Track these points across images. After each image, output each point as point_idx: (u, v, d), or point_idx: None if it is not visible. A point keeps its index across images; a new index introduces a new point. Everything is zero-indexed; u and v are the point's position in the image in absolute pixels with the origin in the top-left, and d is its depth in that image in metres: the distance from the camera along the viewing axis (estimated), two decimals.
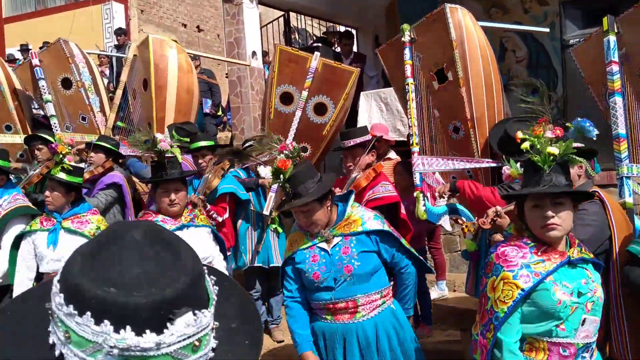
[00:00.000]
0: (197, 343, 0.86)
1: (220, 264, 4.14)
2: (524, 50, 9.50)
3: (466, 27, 4.63)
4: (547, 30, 6.48)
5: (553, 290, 2.46)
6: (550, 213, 2.48)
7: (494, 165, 4.43)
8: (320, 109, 5.86)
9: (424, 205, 4.43)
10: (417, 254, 3.49)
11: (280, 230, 5.96)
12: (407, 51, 4.74)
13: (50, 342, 0.84)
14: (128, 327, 0.81)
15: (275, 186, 5.53)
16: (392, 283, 3.46)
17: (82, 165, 4.89)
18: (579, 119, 3.45)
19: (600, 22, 4.05)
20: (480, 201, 3.96)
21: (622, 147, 3.92)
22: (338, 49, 10.08)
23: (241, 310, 1.02)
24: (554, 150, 2.51)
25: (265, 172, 4.02)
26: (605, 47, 4.00)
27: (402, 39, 4.77)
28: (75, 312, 0.81)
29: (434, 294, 6.11)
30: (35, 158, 6.11)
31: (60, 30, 8.19)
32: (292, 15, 11.38)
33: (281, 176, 3.32)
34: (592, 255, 2.69)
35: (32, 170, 5.99)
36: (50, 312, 0.85)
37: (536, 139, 2.59)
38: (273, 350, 5.87)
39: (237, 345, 0.94)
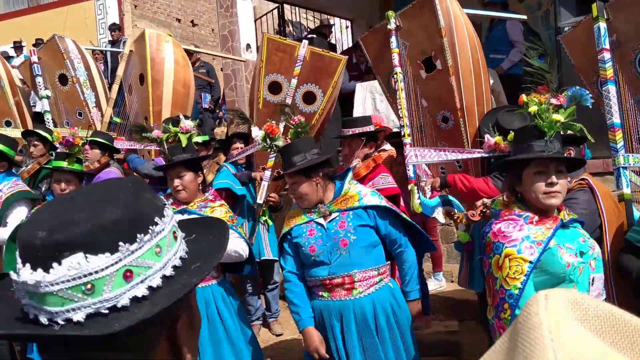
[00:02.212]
0: (88, 286, 0.84)
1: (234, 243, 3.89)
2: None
3: (454, 15, 4.57)
4: (525, 17, 6.49)
5: (560, 254, 2.46)
6: (555, 179, 2.50)
7: (485, 155, 4.41)
8: (309, 98, 5.83)
9: (419, 198, 4.42)
10: (419, 228, 3.51)
11: (270, 222, 5.94)
12: (393, 39, 4.67)
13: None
14: (27, 265, 0.84)
15: (267, 174, 5.53)
16: (388, 262, 3.46)
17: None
18: (576, 87, 3.42)
19: None
20: (474, 193, 3.94)
21: (617, 136, 3.86)
22: (332, 41, 10.06)
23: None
24: (558, 117, 2.52)
25: (256, 133, 3.98)
26: (595, 35, 3.96)
27: (388, 26, 4.70)
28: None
29: (431, 285, 6.11)
30: (29, 154, 6.09)
31: (53, 26, 8.19)
32: (287, 7, 11.35)
33: (268, 140, 3.38)
34: (576, 216, 2.72)
35: (25, 165, 5.98)
36: None
37: (541, 105, 2.59)
38: (273, 344, 5.87)
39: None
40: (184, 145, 4.12)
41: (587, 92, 3.07)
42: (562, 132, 2.62)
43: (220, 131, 10.33)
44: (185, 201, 3.89)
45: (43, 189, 5.94)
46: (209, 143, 5.59)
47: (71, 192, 0.99)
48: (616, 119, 3.89)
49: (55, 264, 0.83)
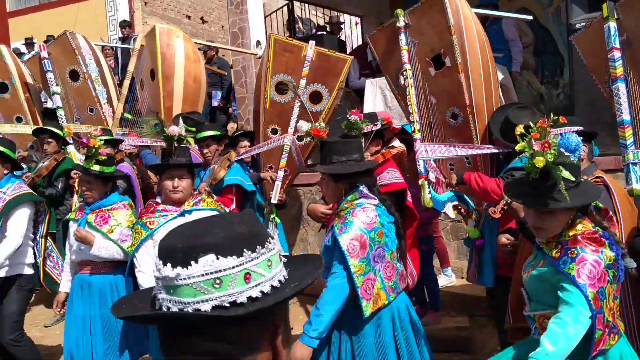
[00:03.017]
0: (217, 281, 1.05)
1: None
2: (530, 36, 9.42)
3: (464, 13, 4.57)
4: (530, 17, 6.46)
5: None
6: (532, 220, 2.64)
7: (495, 151, 4.42)
8: (315, 98, 5.87)
9: (429, 192, 4.44)
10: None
11: (278, 220, 5.96)
12: (402, 37, 4.71)
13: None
14: (169, 264, 1.06)
15: (280, 174, 5.56)
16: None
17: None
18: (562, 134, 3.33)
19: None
20: (486, 193, 3.97)
21: (627, 133, 3.92)
22: (342, 38, 10.06)
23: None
24: (538, 162, 2.51)
25: (303, 126, 3.88)
26: (605, 34, 4.00)
27: (397, 24, 4.73)
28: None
29: (442, 281, 6.14)
30: (44, 151, 6.16)
31: (64, 23, 8.22)
32: (296, 4, 11.37)
33: (308, 139, 3.43)
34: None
35: (42, 162, 6.06)
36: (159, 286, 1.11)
37: (527, 144, 2.58)
38: None
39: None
40: (192, 145, 4.16)
41: (575, 142, 2.88)
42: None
43: (231, 127, 10.39)
44: (180, 201, 3.95)
45: (59, 186, 6.00)
46: (222, 138, 5.62)
47: (205, 217, 1.20)
48: (626, 116, 3.93)
49: (193, 262, 1.05)
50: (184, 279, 1.04)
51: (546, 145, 2.50)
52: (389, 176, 4.57)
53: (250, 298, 1.08)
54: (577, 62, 6.23)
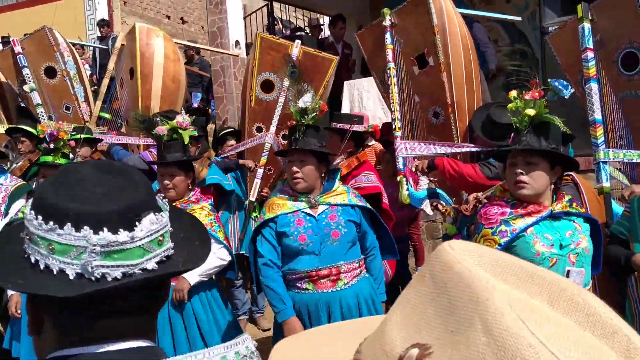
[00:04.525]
0: (161, 238, 1.06)
1: (213, 255, 3.93)
2: (507, 39, 9.54)
3: (447, 14, 4.67)
4: (519, 19, 6.56)
5: (532, 243, 2.57)
6: (519, 170, 2.61)
7: (474, 149, 4.49)
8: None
9: (407, 189, 4.49)
10: (391, 235, 3.65)
11: None
12: (388, 35, 4.78)
13: (33, 260, 1.02)
14: (105, 229, 1.00)
15: (260, 172, 5.57)
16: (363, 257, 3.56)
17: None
18: (554, 80, 3.52)
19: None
20: (461, 178, 4.02)
21: (598, 132, 3.99)
22: (328, 34, 10.08)
23: (190, 225, 1.21)
24: (530, 111, 2.61)
25: (307, 99, 3.84)
26: (580, 35, 4.07)
27: (383, 23, 4.81)
28: (56, 225, 0.99)
29: None
30: (17, 150, 6.09)
31: (42, 22, 8.14)
32: (276, 5, 11.38)
33: (299, 117, 3.46)
34: (583, 211, 2.79)
35: (15, 162, 5.97)
36: (27, 237, 1.03)
37: (517, 102, 2.69)
38: (260, 339, 5.92)
39: (189, 245, 1.15)
40: (186, 142, 4.10)
41: (567, 83, 3.15)
42: (540, 126, 2.69)
43: (209, 128, 10.37)
44: (173, 200, 3.90)
45: (34, 185, 5.94)
46: (199, 138, 5.62)
47: (91, 164, 1.12)
48: (597, 116, 4.01)
49: (137, 223, 1.02)
50: (138, 240, 1.02)
51: (536, 94, 2.61)
52: (365, 179, 4.62)
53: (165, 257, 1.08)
54: (550, 64, 6.34)
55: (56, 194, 1.03)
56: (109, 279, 1.00)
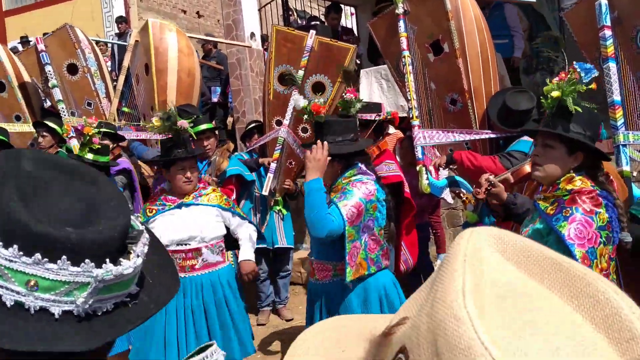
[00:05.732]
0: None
1: (246, 231, 4.11)
2: (525, 22, 9.40)
3: None
4: (534, 0, 6.45)
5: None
6: (534, 153, 2.66)
7: (493, 136, 4.43)
8: (318, 88, 5.84)
9: (427, 178, 4.46)
10: None
11: (284, 211, 6.00)
12: (401, 23, 4.73)
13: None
14: (107, 260, 0.84)
15: (273, 166, 5.57)
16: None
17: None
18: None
19: None
20: (481, 171, 3.97)
21: (617, 114, 3.83)
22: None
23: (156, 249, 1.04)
24: (555, 93, 2.58)
25: (299, 100, 3.91)
26: (597, 12, 3.90)
27: (396, 11, 4.75)
28: (46, 259, 0.80)
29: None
30: (38, 144, 6.17)
31: (60, 20, 8.18)
32: None
33: (306, 116, 3.51)
34: None
35: None
36: None
37: (551, 85, 2.69)
38: (284, 329, 5.95)
39: (161, 272, 1.00)
40: (195, 138, 4.22)
41: (590, 66, 3.10)
42: (563, 109, 2.65)
43: (228, 121, 10.39)
44: (188, 192, 3.99)
45: None
46: (216, 130, 5.69)
47: (34, 159, 0.89)
48: (617, 97, 3.85)
49: (134, 248, 0.89)
50: (138, 268, 0.89)
51: (562, 75, 2.60)
52: (385, 168, 4.60)
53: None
54: (569, 46, 6.22)
55: (27, 210, 0.81)
56: (99, 313, 0.85)
